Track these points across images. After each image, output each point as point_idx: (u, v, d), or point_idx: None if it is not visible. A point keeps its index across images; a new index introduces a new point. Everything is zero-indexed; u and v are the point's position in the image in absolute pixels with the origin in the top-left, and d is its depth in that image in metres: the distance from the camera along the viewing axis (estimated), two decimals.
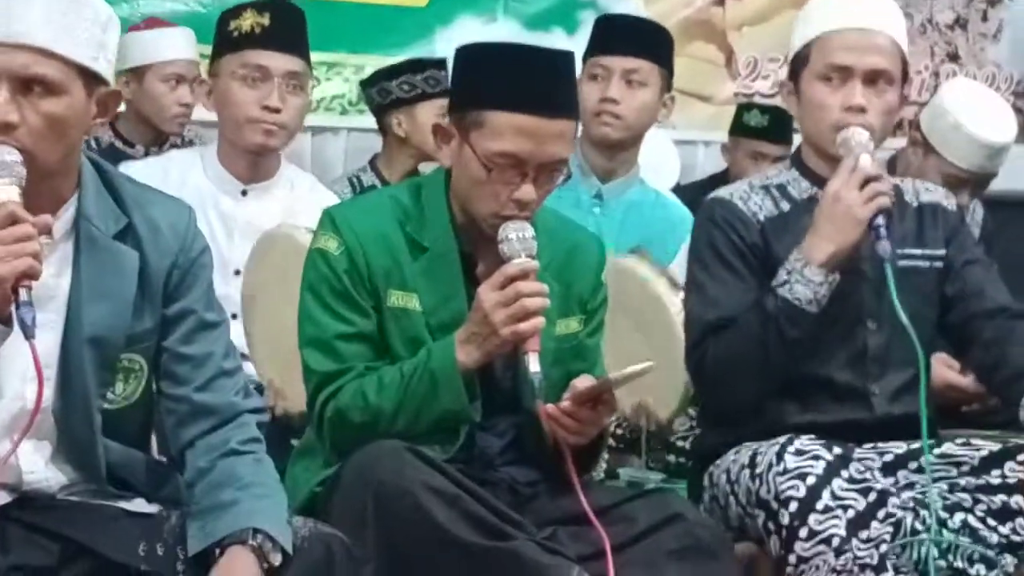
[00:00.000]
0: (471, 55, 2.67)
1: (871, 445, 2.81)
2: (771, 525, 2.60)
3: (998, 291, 2.96)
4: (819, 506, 2.55)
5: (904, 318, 2.63)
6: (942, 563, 2.70)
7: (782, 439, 2.65)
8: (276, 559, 2.17)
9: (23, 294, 2.03)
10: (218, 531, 2.21)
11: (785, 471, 2.59)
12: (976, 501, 2.73)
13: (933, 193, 3.00)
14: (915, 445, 2.76)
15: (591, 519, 2.46)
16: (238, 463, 2.32)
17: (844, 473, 2.59)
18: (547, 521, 2.52)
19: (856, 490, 2.58)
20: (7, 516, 2.23)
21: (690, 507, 2.68)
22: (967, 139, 3.84)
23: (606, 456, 3.08)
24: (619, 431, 3.61)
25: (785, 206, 2.87)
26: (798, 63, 2.88)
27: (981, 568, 2.69)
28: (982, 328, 2.88)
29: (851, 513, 2.56)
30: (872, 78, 2.78)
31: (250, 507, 2.24)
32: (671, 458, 3.74)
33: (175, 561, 2.27)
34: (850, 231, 2.68)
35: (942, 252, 2.89)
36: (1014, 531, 2.70)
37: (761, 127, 5.28)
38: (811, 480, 2.56)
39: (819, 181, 2.81)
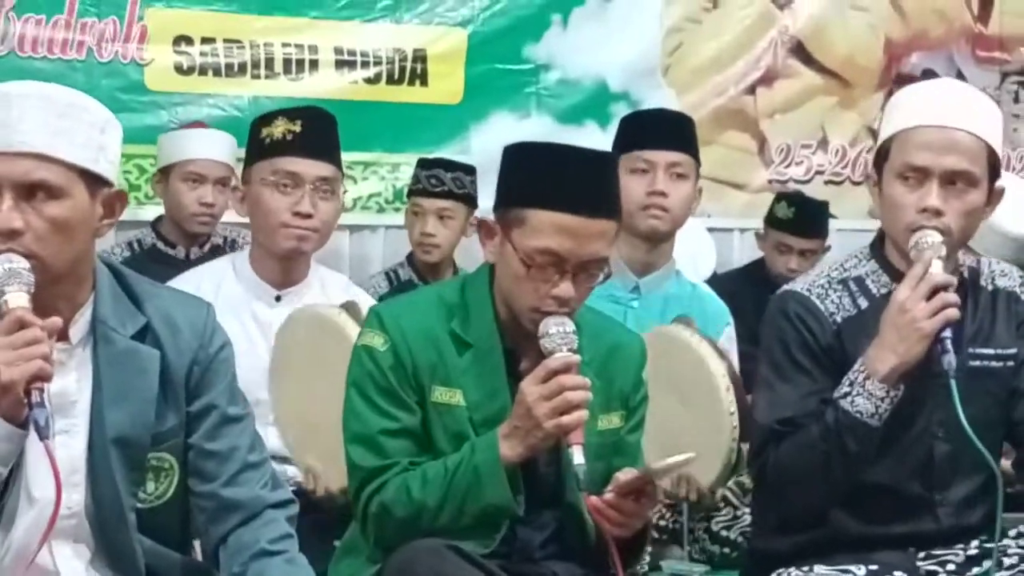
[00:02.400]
0: (515, 154, 2.70)
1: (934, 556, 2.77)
2: None
3: None
4: None
5: (970, 431, 2.56)
6: None
7: None
8: None
9: (35, 396, 2.04)
10: None
11: None
12: None
13: (1008, 278, 2.91)
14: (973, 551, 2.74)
15: None
16: (270, 564, 2.32)
17: None
18: None
19: None
20: None
21: None
22: (995, 232, 3.77)
23: (649, 548, 3.00)
24: (662, 522, 3.60)
25: (863, 303, 2.78)
26: (880, 157, 2.80)
27: None
28: None
29: None
30: (950, 179, 2.68)
31: None
32: (715, 548, 3.70)
33: None
34: (914, 344, 2.61)
35: (1014, 351, 2.79)
36: None
37: (787, 219, 5.29)
38: None
39: (898, 276, 2.74)
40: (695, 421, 3.32)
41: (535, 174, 2.61)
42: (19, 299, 2.10)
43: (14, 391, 2.03)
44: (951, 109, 2.75)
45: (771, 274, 5.22)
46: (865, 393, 2.62)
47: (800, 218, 5.30)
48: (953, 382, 2.56)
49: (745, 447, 3.13)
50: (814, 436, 2.67)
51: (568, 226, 2.51)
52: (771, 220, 5.33)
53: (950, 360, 2.55)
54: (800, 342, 2.76)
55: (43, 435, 2.04)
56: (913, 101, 2.86)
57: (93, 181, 2.22)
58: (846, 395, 2.64)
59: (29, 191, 2.16)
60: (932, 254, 2.59)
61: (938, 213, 2.64)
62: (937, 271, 2.59)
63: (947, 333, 2.57)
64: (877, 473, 2.71)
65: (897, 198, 2.69)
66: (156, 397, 2.32)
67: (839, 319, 2.75)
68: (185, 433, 2.37)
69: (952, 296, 2.58)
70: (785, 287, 2.88)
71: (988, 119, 2.77)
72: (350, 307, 3.15)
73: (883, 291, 2.75)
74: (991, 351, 2.76)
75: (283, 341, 3.32)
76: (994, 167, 2.72)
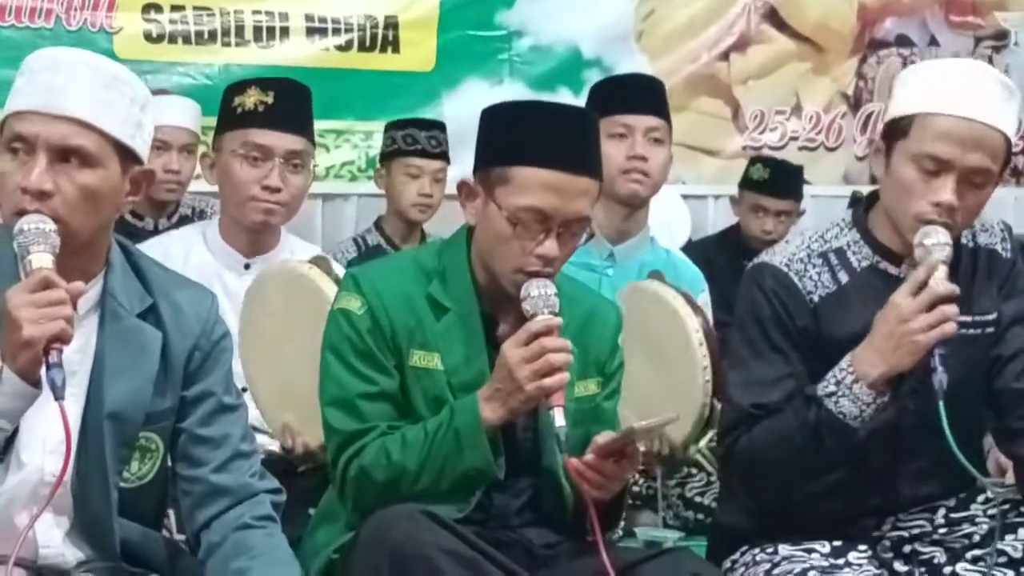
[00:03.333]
0: (496, 114, 2.74)
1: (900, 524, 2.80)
2: None
3: None
4: None
5: (959, 455, 2.56)
6: None
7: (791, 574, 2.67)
8: None
9: (54, 356, 2.08)
10: None
11: None
12: None
13: (990, 234, 2.87)
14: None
15: None
16: (250, 535, 2.37)
17: None
18: None
19: None
20: None
21: (708, 567, 2.70)
22: None
23: (623, 513, 3.07)
24: (635, 488, 3.66)
25: (843, 277, 2.75)
26: (895, 131, 2.72)
27: None
28: (1015, 405, 2.79)
29: None
30: (968, 175, 2.63)
31: (261, 573, 2.30)
32: (689, 514, 3.79)
33: None
34: (907, 356, 2.59)
35: (993, 316, 2.77)
36: None
37: (762, 181, 5.37)
38: None
39: (882, 250, 2.74)
40: (669, 376, 3.42)
41: (519, 132, 2.64)
42: (44, 259, 2.14)
43: (35, 348, 2.08)
44: (980, 99, 2.67)
45: (746, 239, 5.31)
46: (851, 396, 2.62)
47: (775, 179, 5.38)
48: (942, 404, 2.54)
49: (719, 405, 3.17)
50: (791, 428, 2.68)
51: (553, 183, 2.54)
52: (746, 182, 5.42)
53: (941, 379, 2.53)
54: (776, 320, 2.76)
55: (58, 395, 2.09)
56: (939, 81, 2.77)
57: (127, 156, 2.27)
58: (831, 395, 2.64)
59: (64, 155, 2.20)
60: (939, 257, 2.56)
61: (951, 210, 2.60)
62: (941, 279, 2.55)
63: (940, 350, 2.55)
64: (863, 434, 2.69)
65: (910, 183, 2.64)
66: (155, 377, 2.37)
67: (816, 298, 2.74)
68: (177, 417, 2.42)
69: (952, 309, 2.54)
70: (763, 258, 2.86)
71: (1011, 109, 2.71)
72: (319, 261, 3.18)
73: (864, 264, 2.74)
74: (969, 318, 2.73)
75: (253, 301, 3.36)
76: (1008, 158, 2.70)
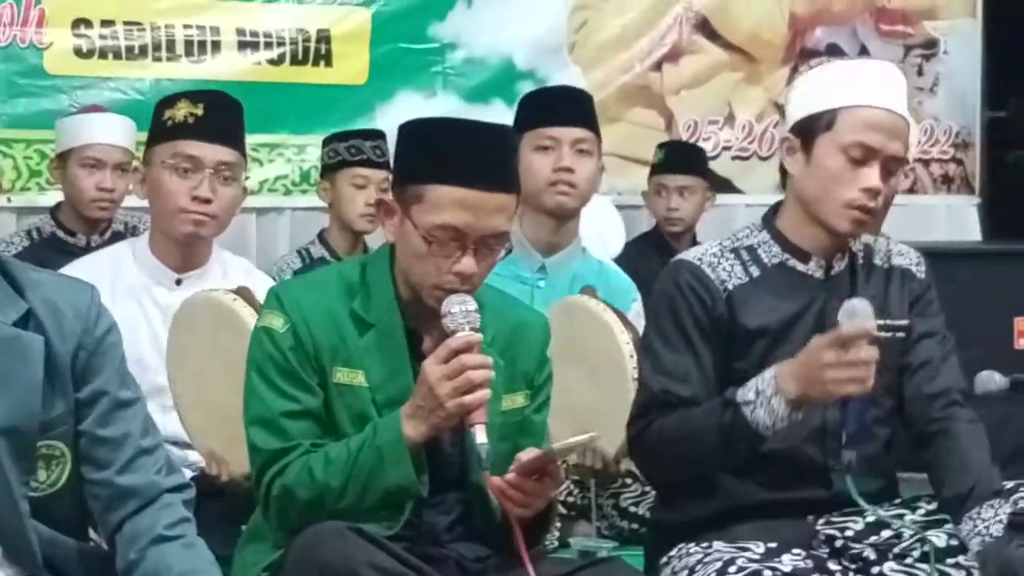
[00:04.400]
0: (412, 130, 2.73)
1: (825, 521, 2.85)
2: None
3: (947, 370, 2.95)
4: None
5: (861, 502, 2.70)
6: None
7: (718, 565, 2.73)
8: None
9: None
10: None
11: None
12: None
13: (904, 257, 2.99)
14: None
15: None
16: (167, 551, 2.32)
17: None
18: None
19: None
20: None
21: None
22: None
23: (558, 524, 3.13)
24: (570, 498, 3.70)
25: (755, 271, 2.86)
26: (815, 126, 2.86)
27: None
28: (924, 410, 2.91)
29: None
30: (888, 163, 2.81)
31: None
32: (624, 524, 3.80)
33: None
34: (823, 396, 2.71)
35: (905, 323, 2.89)
36: None
37: (659, 162, 5.53)
38: None
39: (789, 246, 2.85)
40: (601, 391, 3.45)
41: (432, 150, 2.63)
42: None
43: None
44: (897, 94, 2.88)
45: (661, 231, 5.45)
46: (769, 407, 2.70)
47: (669, 157, 5.55)
48: (849, 478, 2.69)
49: None
50: (703, 426, 2.77)
51: (467, 200, 2.54)
52: (650, 171, 5.62)
53: (849, 457, 2.67)
54: (690, 313, 2.83)
55: None
56: (859, 77, 2.94)
57: None
58: (749, 403, 2.72)
59: None
60: (865, 320, 2.66)
61: (877, 194, 2.76)
62: (868, 348, 2.65)
63: (851, 419, 2.68)
64: (774, 440, 2.80)
65: (838, 172, 2.76)
66: (41, 384, 2.30)
67: (730, 286, 2.83)
68: (75, 420, 2.36)
69: (867, 371, 2.66)
70: (678, 257, 2.96)
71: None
72: (243, 292, 3.19)
73: (774, 261, 2.84)
74: (882, 322, 2.81)
75: (179, 327, 3.35)
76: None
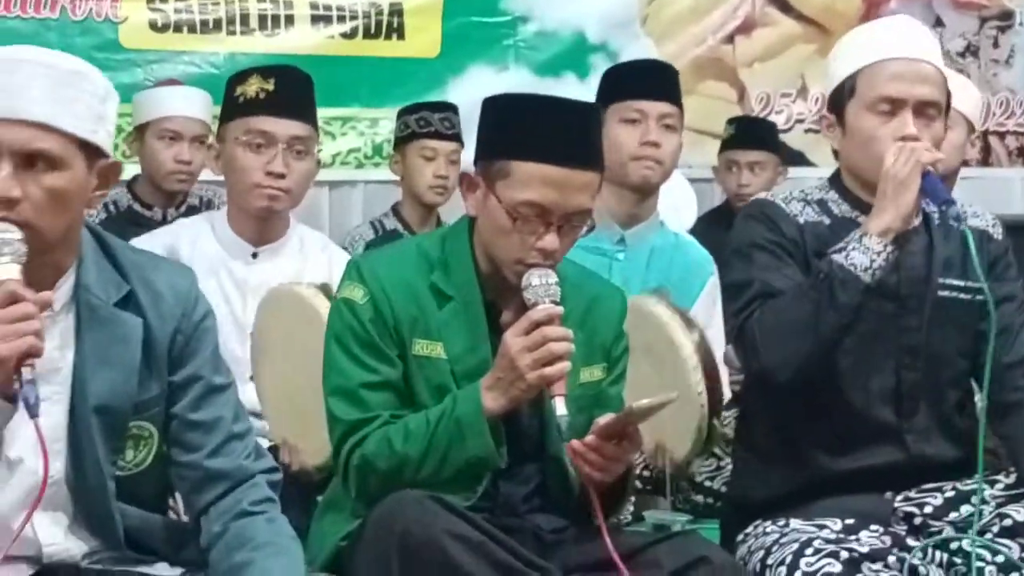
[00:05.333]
0: (497, 106, 2.77)
1: (903, 498, 2.90)
2: None
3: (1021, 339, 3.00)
4: None
5: (984, 284, 2.76)
6: None
7: (795, 546, 2.78)
8: None
9: (26, 373, 2.10)
10: None
11: None
12: None
13: (981, 219, 3.03)
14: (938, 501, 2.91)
15: (617, 564, 2.53)
16: (250, 524, 2.40)
17: None
18: (572, 567, 2.59)
19: None
20: None
21: (716, 549, 2.75)
22: None
23: (632, 499, 3.17)
24: (645, 472, 3.71)
25: (825, 220, 2.95)
26: (841, 95, 2.94)
27: None
28: (1002, 379, 2.95)
29: None
30: (922, 108, 2.86)
31: (264, 566, 2.33)
32: (699, 498, 3.85)
33: None
34: (901, 194, 2.80)
35: (983, 284, 2.93)
36: None
37: (730, 137, 5.62)
38: None
39: (859, 204, 2.91)
40: (668, 391, 3.34)
41: (519, 126, 2.67)
42: (10, 270, 2.15)
43: (5, 367, 2.09)
44: (914, 41, 2.95)
45: (731, 205, 5.50)
46: (862, 247, 2.79)
47: (740, 132, 5.63)
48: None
49: (716, 424, 3.35)
50: (804, 287, 2.84)
51: (553, 178, 2.57)
52: (720, 147, 5.72)
53: (939, 193, 2.76)
54: (769, 237, 2.95)
55: (32, 413, 2.10)
56: (873, 37, 3.02)
57: (92, 152, 2.27)
58: (841, 250, 2.80)
59: (28, 160, 2.21)
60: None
61: (916, 140, 2.81)
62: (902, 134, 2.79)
63: (930, 179, 2.77)
64: (848, 399, 2.88)
65: (871, 131, 2.83)
66: (139, 365, 2.37)
67: (802, 220, 2.94)
68: (167, 403, 2.43)
69: (920, 145, 2.82)
70: (754, 198, 3.18)
71: (939, 52, 3.00)
72: (325, 289, 3.28)
73: (844, 214, 2.93)
74: (961, 283, 2.91)
75: (262, 319, 3.42)
76: (949, 99, 2.94)
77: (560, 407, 2.53)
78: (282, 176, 3.45)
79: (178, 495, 2.65)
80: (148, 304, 2.39)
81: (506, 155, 2.63)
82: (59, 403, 2.29)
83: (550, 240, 2.58)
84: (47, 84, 2.23)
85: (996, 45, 6.88)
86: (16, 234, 2.17)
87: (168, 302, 2.42)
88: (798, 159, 6.35)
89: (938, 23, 6.63)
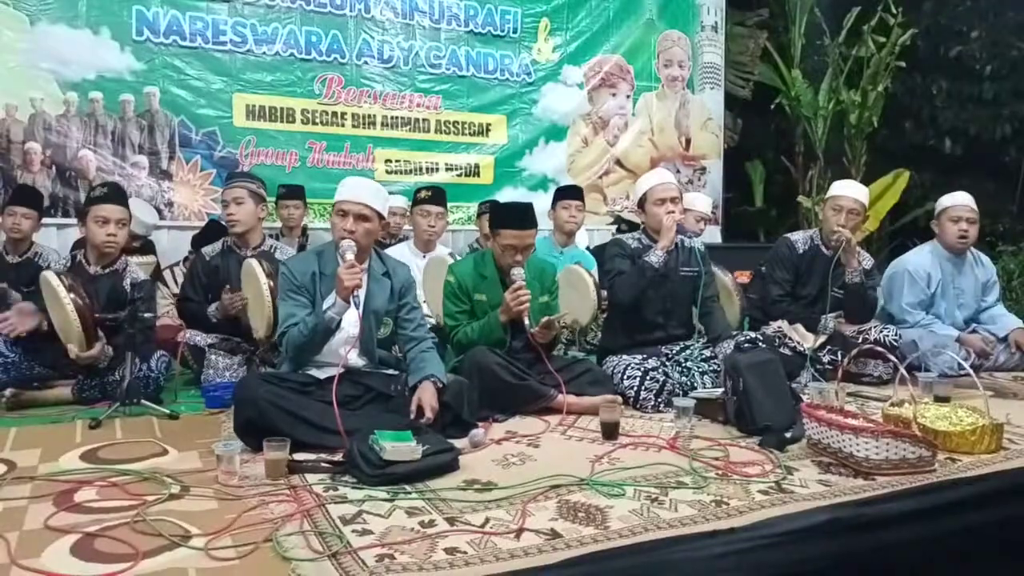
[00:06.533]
0: (493, 206, 4.63)
1: (666, 348, 4.76)
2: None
3: (709, 289, 4.64)
4: (641, 393, 4.53)
5: (702, 269, 4.29)
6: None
7: (623, 365, 4.48)
8: (440, 388, 3.89)
9: (356, 293, 3.76)
10: (418, 376, 3.98)
11: (626, 377, 4.56)
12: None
13: (698, 243, 4.77)
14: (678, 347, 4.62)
15: (552, 371, 4.57)
16: (424, 352, 4.16)
17: (648, 377, 4.48)
18: (538, 373, 4.64)
19: (653, 381, 4.53)
20: (345, 378, 3.97)
21: (594, 365, 4.82)
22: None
23: (561, 346, 5.65)
24: (568, 337, 6.05)
25: (641, 244, 4.62)
26: (643, 199, 4.66)
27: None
28: (702, 305, 4.70)
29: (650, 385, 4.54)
30: (675, 200, 4.49)
31: (430, 368, 4.02)
32: (589, 346, 6.15)
33: (404, 390, 4.07)
34: (667, 234, 4.46)
35: (701, 270, 4.77)
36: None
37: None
38: (635, 382, 4.48)
39: (652, 239, 4.55)
40: (580, 300, 5.81)
41: (500, 215, 4.55)
42: (351, 256, 3.82)
43: (349, 290, 3.71)
44: (668, 176, 4.67)
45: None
46: (654, 256, 4.49)
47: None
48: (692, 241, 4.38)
49: (601, 314, 5.48)
50: (633, 271, 4.53)
51: (516, 234, 4.42)
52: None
53: (683, 229, 3.95)
54: (619, 251, 4.58)
55: (356, 305, 3.77)
56: (651, 176, 4.81)
57: (379, 216, 3.94)
58: (646, 256, 4.45)
59: (360, 217, 3.86)
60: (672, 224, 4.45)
61: (674, 212, 4.53)
62: (671, 221, 4.38)
63: (676, 232, 4.33)
64: (646, 312, 4.79)
65: (656, 212, 4.61)
66: (388, 296, 4.09)
67: (633, 245, 4.63)
68: (396, 311, 4.12)
69: (677, 213, 4.43)
70: (615, 237, 4.80)
71: (675, 181, 4.67)
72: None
73: (646, 243, 4.68)
74: (690, 270, 4.82)
75: (427, 269, 5.87)
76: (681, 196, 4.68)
77: (526, 320, 4.39)
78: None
79: (396, 346, 4.31)
80: (393, 276, 4.09)
81: (497, 226, 4.40)
82: (361, 307, 3.86)
83: (518, 258, 4.34)
84: (369, 189, 3.80)
85: (700, 179, 10.30)
86: (353, 244, 3.76)
87: (400, 277, 4.11)
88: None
89: (677, 171, 9.91)
